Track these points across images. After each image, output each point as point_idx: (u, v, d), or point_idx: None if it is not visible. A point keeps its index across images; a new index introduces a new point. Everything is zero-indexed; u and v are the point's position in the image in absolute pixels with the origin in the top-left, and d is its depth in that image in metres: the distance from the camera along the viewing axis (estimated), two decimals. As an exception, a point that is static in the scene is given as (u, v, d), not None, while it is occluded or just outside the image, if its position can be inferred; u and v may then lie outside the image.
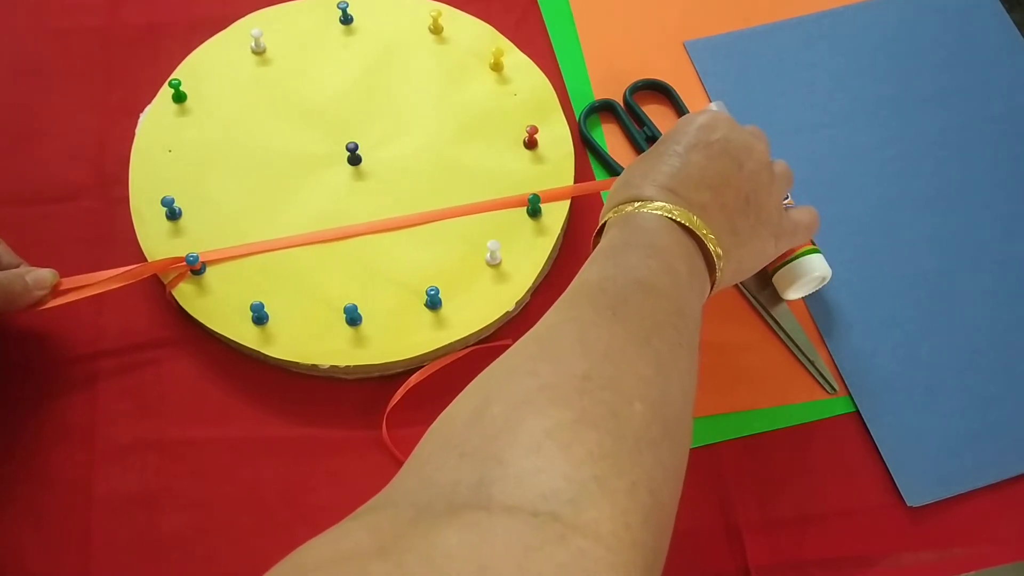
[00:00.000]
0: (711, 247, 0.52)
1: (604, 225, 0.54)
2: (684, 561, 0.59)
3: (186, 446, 0.60)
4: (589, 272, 0.50)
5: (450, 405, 0.43)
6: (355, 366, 0.61)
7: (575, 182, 0.69)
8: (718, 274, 0.53)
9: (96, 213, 0.67)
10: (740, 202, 0.54)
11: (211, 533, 0.58)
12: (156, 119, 0.69)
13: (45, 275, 0.59)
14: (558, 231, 0.66)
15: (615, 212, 0.53)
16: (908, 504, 0.61)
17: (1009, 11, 0.80)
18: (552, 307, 0.48)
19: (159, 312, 0.64)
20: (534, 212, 0.66)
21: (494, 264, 0.64)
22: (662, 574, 0.59)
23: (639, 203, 0.52)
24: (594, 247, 0.54)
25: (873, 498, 0.61)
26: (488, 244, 0.63)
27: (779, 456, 0.62)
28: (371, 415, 0.61)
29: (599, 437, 0.39)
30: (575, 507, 0.36)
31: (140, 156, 0.67)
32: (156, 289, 0.63)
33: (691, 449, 0.62)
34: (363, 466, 0.60)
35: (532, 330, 0.47)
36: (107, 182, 0.67)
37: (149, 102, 0.70)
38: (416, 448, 0.42)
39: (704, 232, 0.51)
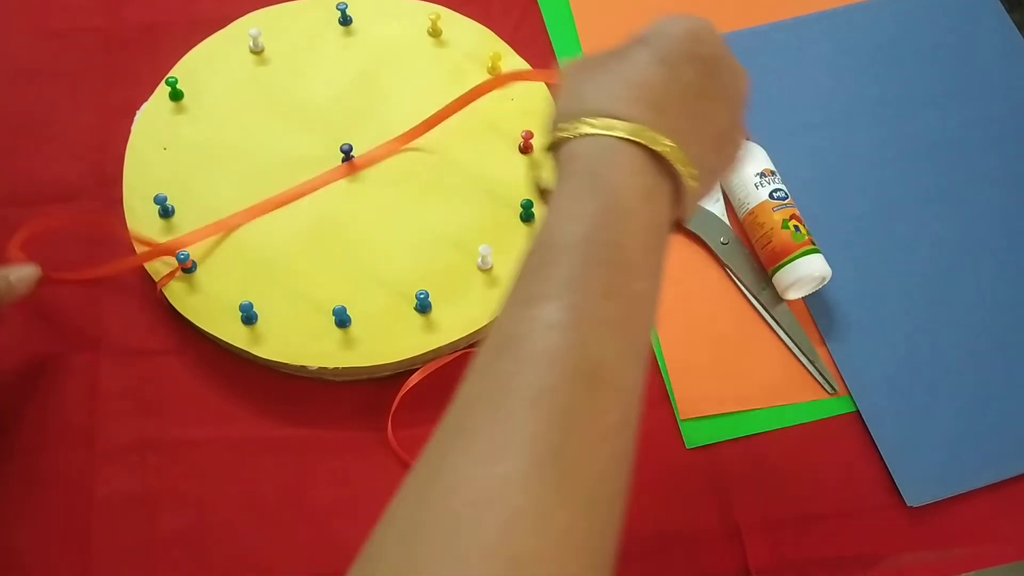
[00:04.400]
0: (687, 184, 0.42)
1: (558, 144, 0.43)
2: (684, 561, 0.59)
3: (186, 446, 0.60)
4: (543, 308, 0.37)
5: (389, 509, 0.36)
6: (344, 368, 0.61)
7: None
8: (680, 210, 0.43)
9: (95, 213, 0.67)
10: (714, 140, 0.45)
11: (211, 533, 0.58)
12: (152, 117, 0.68)
13: (28, 273, 0.59)
14: None
15: (569, 130, 0.42)
16: (908, 504, 0.61)
17: (1009, 11, 0.80)
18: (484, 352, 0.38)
19: (157, 312, 0.64)
20: (527, 217, 0.66)
21: (485, 269, 0.64)
22: (663, 573, 0.59)
23: (606, 121, 0.41)
24: (551, 175, 0.44)
25: (873, 498, 0.61)
26: (480, 249, 0.63)
27: (779, 456, 0.62)
28: (368, 416, 0.61)
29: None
30: None
31: (135, 154, 0.67)
32: (152, 289, 0.63)
33: (691, 449, 0.63)
34: (362, 466, 0.60)
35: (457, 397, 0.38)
36: (106, 182, 0.67)
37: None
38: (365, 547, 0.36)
39: (685, 168, 0.42)
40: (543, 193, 0.48)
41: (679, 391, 0.63)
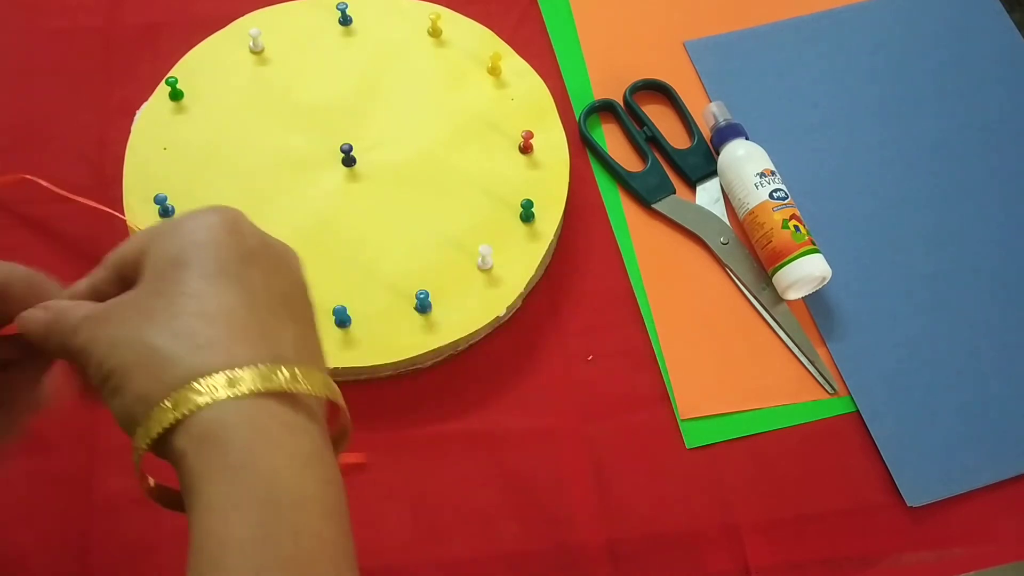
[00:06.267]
0: (340, 404, 0.37)
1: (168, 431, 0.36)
2: (684, 561, 0.59)
3: (186, 446, 0.60)
4: None
5: None
6: (343, 368, 0.61)
7: (573, 184, 0.68)
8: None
9: (96, 213, 0.67)
10: (309, 322, 0.40)
11: (211, 533, 0.58)
12: (152, 117, 0.68)
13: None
14: (551, 237, 0.66)
15: (178, 407, 0.35)
16: (908, 504, 0.61)
17: (1009, 11, 0.80)
18: None
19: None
20: (527, 217, 0.66)
21: (485, 269, 0.64)
22: (663, 573, 0.59)
23: (218, 378, 0.34)
24: (150, 492, 0.40)
25: (873, 498, 0.61)
26: (480, 249, 0.63)
27: (779, 456, 0.62)
28: (368, 416, 0.61)
29: None
30: None
31: (135, 154, 0.67)
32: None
33: (691, 449, 0.63)
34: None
35: None
36: (106, 182, 0.67)
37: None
38: None
39: (331, 393, 0.37)
40: (165, 498, 0.40)
41: (679, 391, 0.64)
